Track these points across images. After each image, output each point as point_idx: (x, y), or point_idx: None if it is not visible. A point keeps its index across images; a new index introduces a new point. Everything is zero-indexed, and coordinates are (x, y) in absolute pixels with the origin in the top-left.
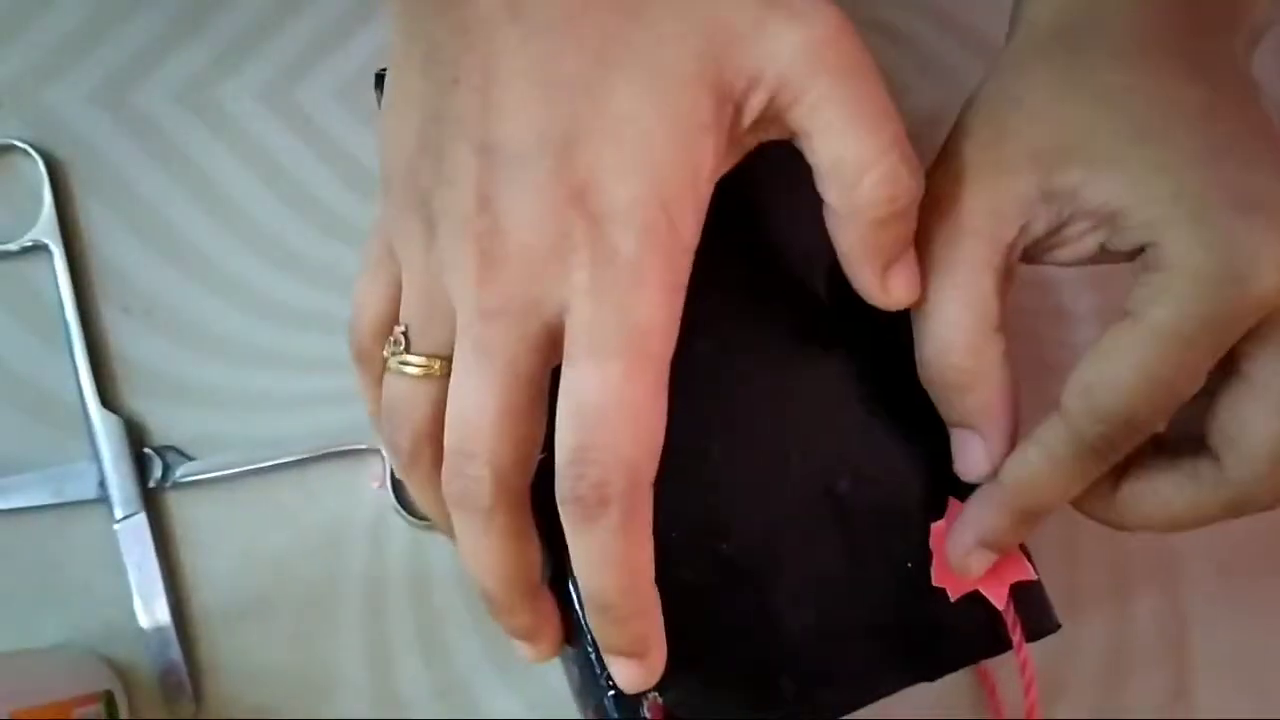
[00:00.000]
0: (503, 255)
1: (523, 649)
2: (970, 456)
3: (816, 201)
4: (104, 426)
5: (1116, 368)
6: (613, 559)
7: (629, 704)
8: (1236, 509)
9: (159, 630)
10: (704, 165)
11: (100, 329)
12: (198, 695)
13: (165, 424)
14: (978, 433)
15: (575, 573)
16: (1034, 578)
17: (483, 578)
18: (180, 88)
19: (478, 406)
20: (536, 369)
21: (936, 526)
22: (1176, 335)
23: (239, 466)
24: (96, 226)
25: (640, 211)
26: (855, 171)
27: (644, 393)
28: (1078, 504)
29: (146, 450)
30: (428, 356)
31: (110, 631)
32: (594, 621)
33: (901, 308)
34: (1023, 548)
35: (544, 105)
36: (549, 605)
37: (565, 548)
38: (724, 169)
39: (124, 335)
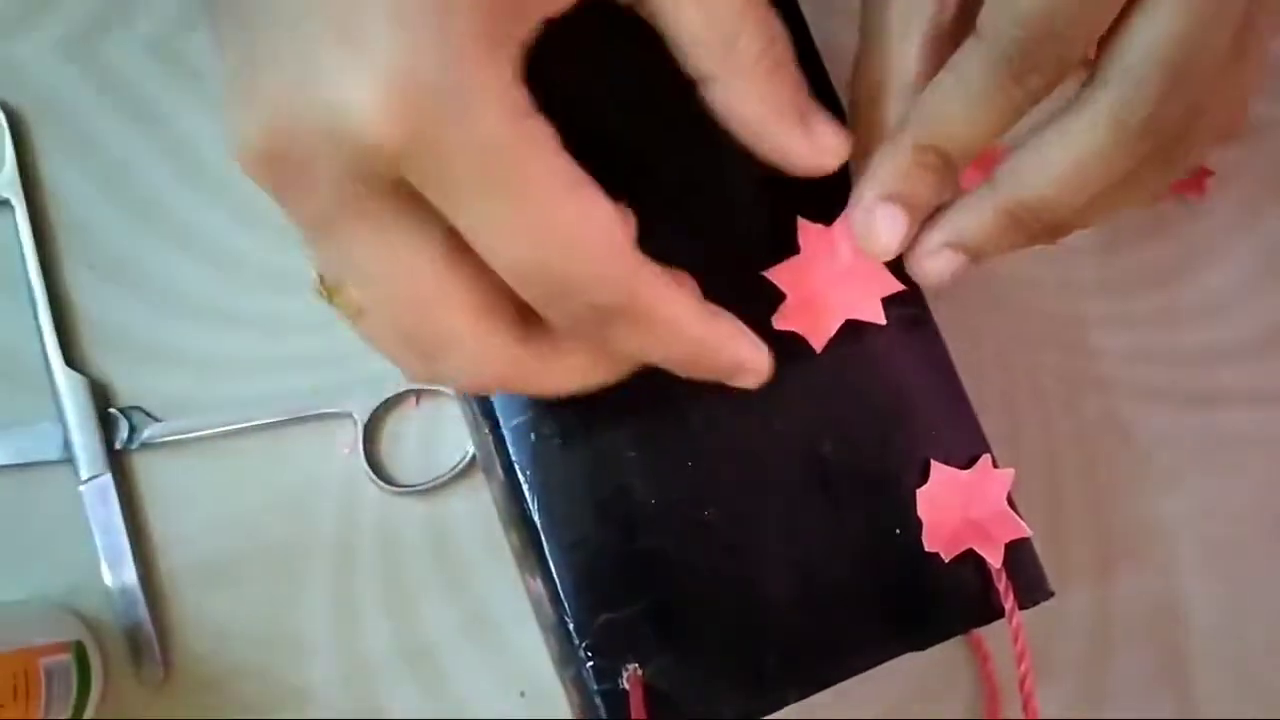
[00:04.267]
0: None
1: None
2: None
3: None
4: (68, 386)
5: None
6: None
7: (608, 675)
8: (1120, 126)
9: (125, 593)
10: None
11: (64, 287)
12: (165, 658)
13: (131, 384)
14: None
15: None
16: (1027, 534)
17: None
18: (150, 39)
19: None
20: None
21: (923, 491)
22: None
23: (207, 429)
24: (61, 182)
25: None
26: (730, 25)
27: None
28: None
29: (112, 411)
30: None
31: (76, 594)
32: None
33: (839, 164)
34: (1013, 506)
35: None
36: None
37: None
38: (552, 6)
39: (89, 293)
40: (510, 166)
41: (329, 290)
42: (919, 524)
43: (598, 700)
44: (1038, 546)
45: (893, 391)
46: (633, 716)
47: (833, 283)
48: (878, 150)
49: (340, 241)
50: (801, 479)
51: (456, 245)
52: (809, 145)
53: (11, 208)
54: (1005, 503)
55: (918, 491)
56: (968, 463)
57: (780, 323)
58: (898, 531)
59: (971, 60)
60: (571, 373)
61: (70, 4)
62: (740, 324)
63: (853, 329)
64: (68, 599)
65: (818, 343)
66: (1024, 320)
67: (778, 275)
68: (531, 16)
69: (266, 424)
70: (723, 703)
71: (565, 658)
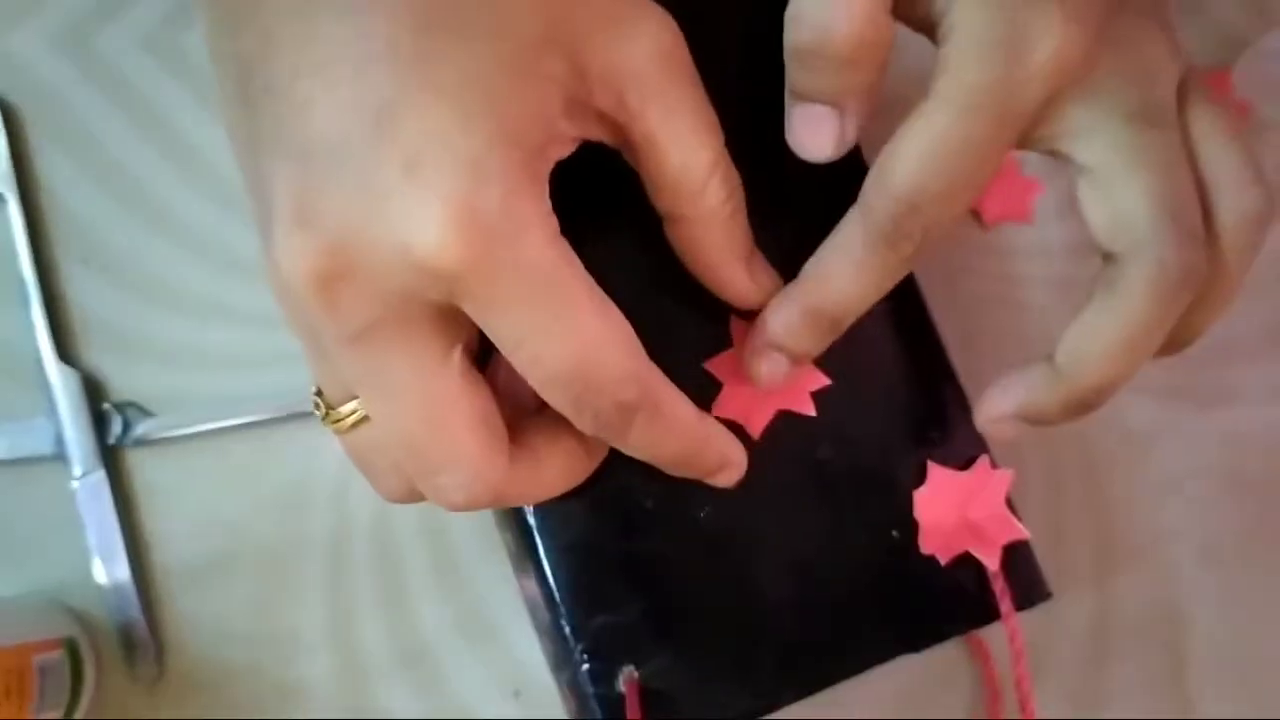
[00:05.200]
0: (342, 269)
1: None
2: (823, 133)
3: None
4: (62, 381)
5: (903, 143)
6: None
7: (604, 677)
8: (872, 235)
9: (118, 590)
10: (553, 120)
11: (58, 281)
12: (159, 656)
13: (125, 380)
14: (838, 111)
15: None
16: (1025, 536)
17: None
18: (146, 33)
19: None
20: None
21: (920, 493)
22: (956, 103)
23: (201, 425)
24: (56, 176)
25: (496, 153)
26: (702, 175)
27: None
28: None
29: (105, 406)
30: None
31: (68, 591)
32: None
33: (766, 300)
34: (1012, 509)
35: (354, 85)
36: None
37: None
38: (563, 150)
39: (83, 288)
40: (552, 283)
41: (326, 404)
42: (916, 525)
43: (594, 703)
44: (1036, 548)
45: (890, 392)
46: (629, 718)
47: None
48: (772, 303)
49: (369, 353)
50: (799, 480)
51: (471, 367)
52: (750, 285)
53: (5, 202)
54: (1003, 504)
55: (916, 493)
56: (966, 464)
57: (718, 410)
58: (895, 533)
59: (852, 228)
60: (552, 485)
61: None
62: (721, 425)
63: (852, 328)
64: (60, 596)
65: (754, 430)
66: (1022, 319)
67: (715, 366)
68: (551, 157)
69: (262, 420)
70: (720, 704)
71: (561, 660)
